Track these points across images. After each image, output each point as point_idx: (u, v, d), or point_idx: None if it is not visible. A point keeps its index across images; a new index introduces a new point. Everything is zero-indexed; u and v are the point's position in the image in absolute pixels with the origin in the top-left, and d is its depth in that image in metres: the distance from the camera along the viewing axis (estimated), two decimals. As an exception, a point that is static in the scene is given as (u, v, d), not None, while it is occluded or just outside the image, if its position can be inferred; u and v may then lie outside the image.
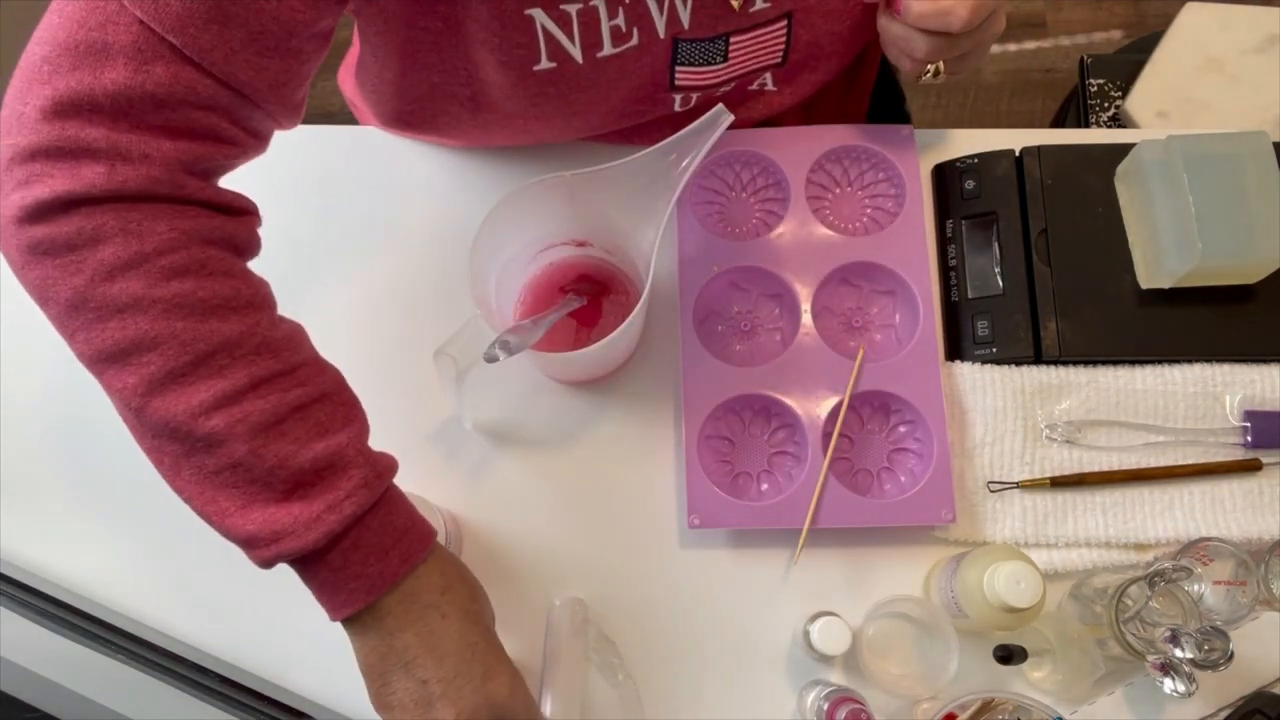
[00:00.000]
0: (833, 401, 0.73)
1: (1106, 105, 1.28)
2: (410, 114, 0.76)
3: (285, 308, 0.82)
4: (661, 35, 0.66)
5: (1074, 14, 1.88)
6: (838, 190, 0.82)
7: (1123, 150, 0.78)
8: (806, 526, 0.71)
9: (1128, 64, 1.28)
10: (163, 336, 0.50)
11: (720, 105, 0.65)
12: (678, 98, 0.74)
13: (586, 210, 0.70)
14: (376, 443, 0.77)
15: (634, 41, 0.65)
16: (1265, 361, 0.76)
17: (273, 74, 0.53)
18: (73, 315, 0.50)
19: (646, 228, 0.67)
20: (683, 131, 0.65)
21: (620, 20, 0.63)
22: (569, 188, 0.67)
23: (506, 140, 0.80)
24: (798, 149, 0.79)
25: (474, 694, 0.54)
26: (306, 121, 0.85)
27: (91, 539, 0.75)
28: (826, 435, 0.73)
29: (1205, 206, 0.71)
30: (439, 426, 0.77)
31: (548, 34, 0.63)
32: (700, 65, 0.70)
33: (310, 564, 0.53)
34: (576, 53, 0.64)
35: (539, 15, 0.61)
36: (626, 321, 0.64)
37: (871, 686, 0.69)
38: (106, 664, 0.68)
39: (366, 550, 0.53)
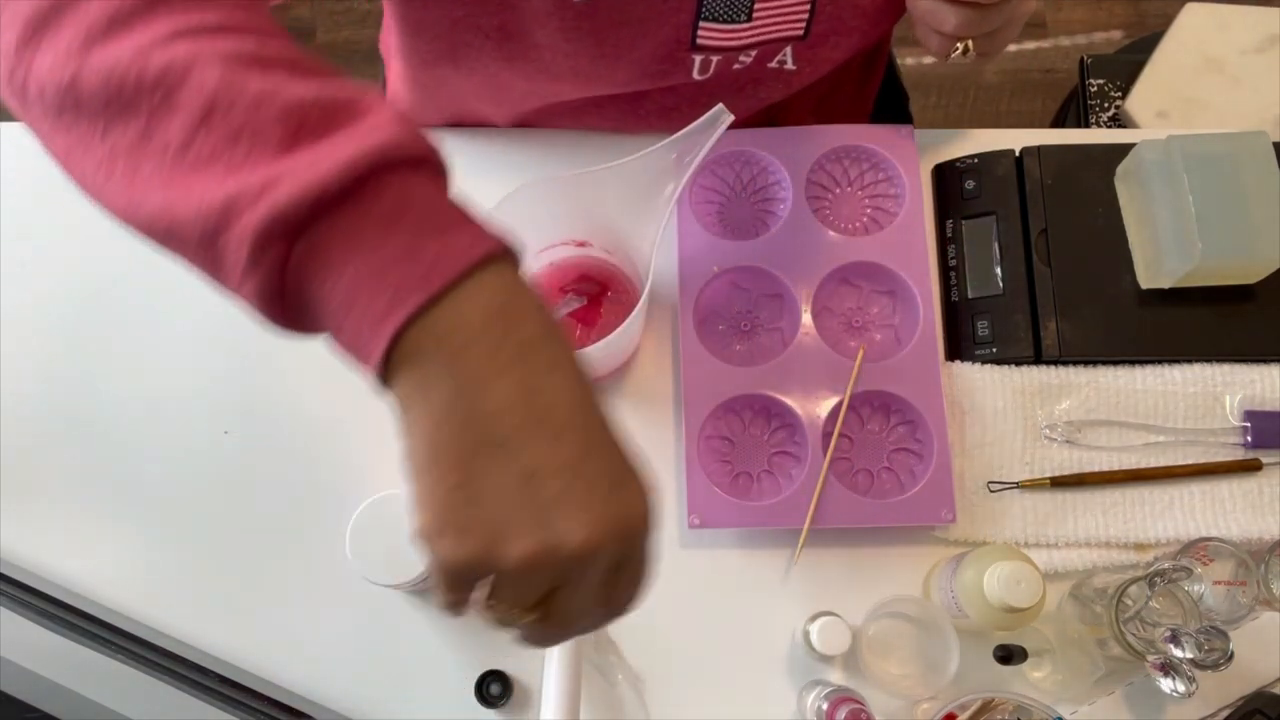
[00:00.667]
0: (833, 401, 0.73)
1: (1106, 105, 1.28)
2: (429, 51, 0.75)
3: (285, 308, 0.82)
4: None
5: (1074, 14, 1.88)
6: (838, 190, 0.82)
7: (1123, 150, 0.78)
8: (806, 526, 0.71)
9: (1128, 64, 1.28)
10: None
11: (720, 105, 0.65)
12: (697, 60, 0.73)
13: (586, 210, 0.70)
14: (377, 442, 0.77)
15: None
16: (1265, 361, 0.76)
17: None
18: None
19: (646, 228, 0.67)
20: (683, 131, 0.65)
21: None
22: (569, 187, 0.67)
23: (524, 84, 0.77)
24: (798, 149, 0.79)
25: (603, 508, 0.35)
26: (306, 121, 0.85)
27: (91, 539, 0.75)
28: (826, 435, 0.73)
29: (1205, 206, 0.71)
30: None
31: None
32: (724, 22, 0.69)
33: (329, 242, 0.34)
34: None
35: None
36: (626, 321, 0.64)
37: (871, 686, 0.69)
38: (106, 664, 0.68)
39: (416, 221, 0.34)
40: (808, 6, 0.70)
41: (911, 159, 0.79)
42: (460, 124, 0.86)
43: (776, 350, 0.77)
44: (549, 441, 0.35)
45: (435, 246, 0.34)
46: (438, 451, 0.35)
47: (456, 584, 0.35)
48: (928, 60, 1.86)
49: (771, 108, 0.83)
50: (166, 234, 0.36)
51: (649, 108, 0.79)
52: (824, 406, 0.73)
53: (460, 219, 0.36)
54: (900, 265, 0.77)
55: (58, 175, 0.90)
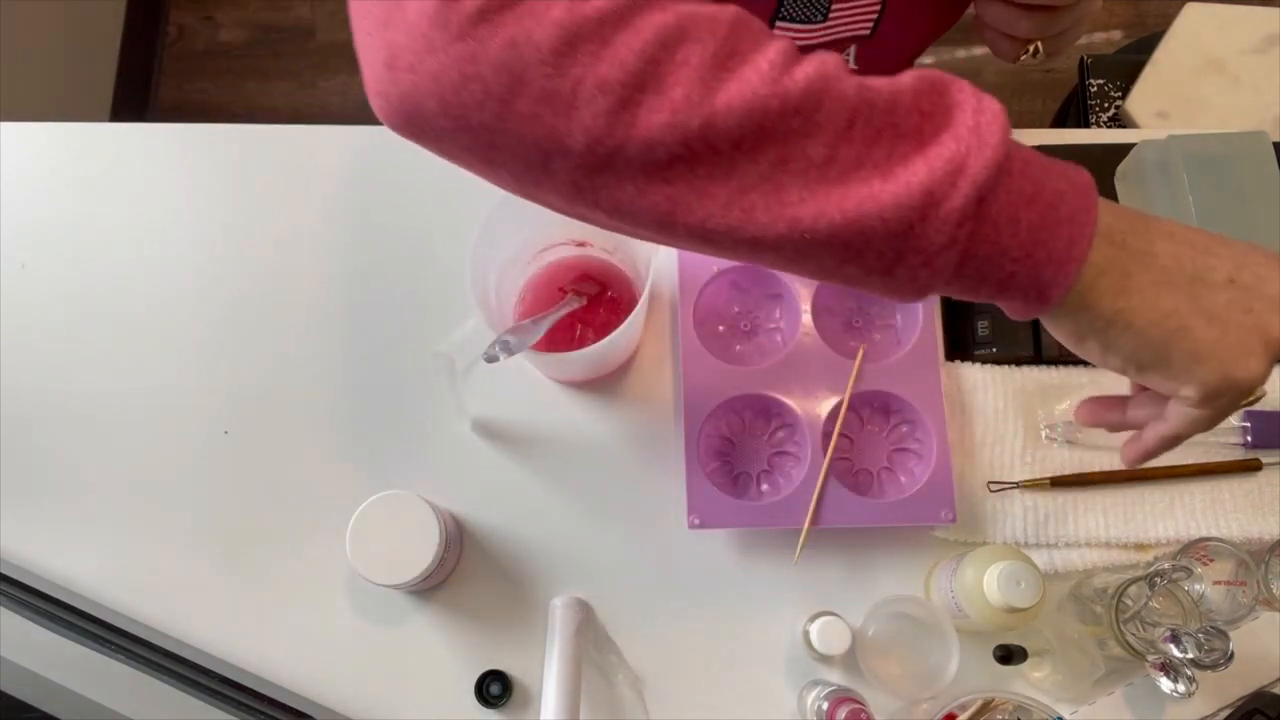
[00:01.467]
0: (833, 401, 0.73)
1: (1106, 105, 1.28)
2: None
3: (284, 306, 0.82)
4: None
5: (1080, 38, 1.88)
6: (838, 190, 0.82)
7: (1123, 150, 0.78)
8: (806, 526, 0.71)
9: (1128, 64, 1.28)
10: (685, 21, 0.38)
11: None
12: None
13: (586, 210, 0.70)
14: (377, 442, 0.77)
15: None
16: (1265, 361, 0.76)
17: None
18: (566, 66, 0.37)
19: (646, 228, 0.67)
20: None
21: None
22: (569, 188, 0.67)
23: None
24: (798, 149, 0.79)
25: (1270, 260, 0.43)
26: (306, 121, 0.85)
27: (91, 539, 0.75)
28: (826, 435, 0.73)
29: (1205, 206, 0.71)
30: (439, 426, 0.77)
31: None
32: (801, 22, 0.68)
33: (1006, 207, 0.39)
34: None
35: None
36: (626, 321, 0.64)
37: (871, 686, 0.69)
38: (106, 664, 0.68)
39: (1039, 163, 0.41)
40: (879, 5, 0.70)
41: (911, 159, 0.79)
42: None
43: (776, 350, 0.77)
44: (1214, 255, 0.42)
45: (1065, 184, 0.40)
46: (1175, 315, 0.41)
47: (1262, 383, 0.43)
48: (928, 60, 1.86)
49: None
50: (846, 244, 0.39)
51: None
52: (824, 406, 0.73)
53: (1049, 158, 0.42)
54: (900, 265, 0.77)
55: (57, 175, 0.90)
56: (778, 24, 0.69)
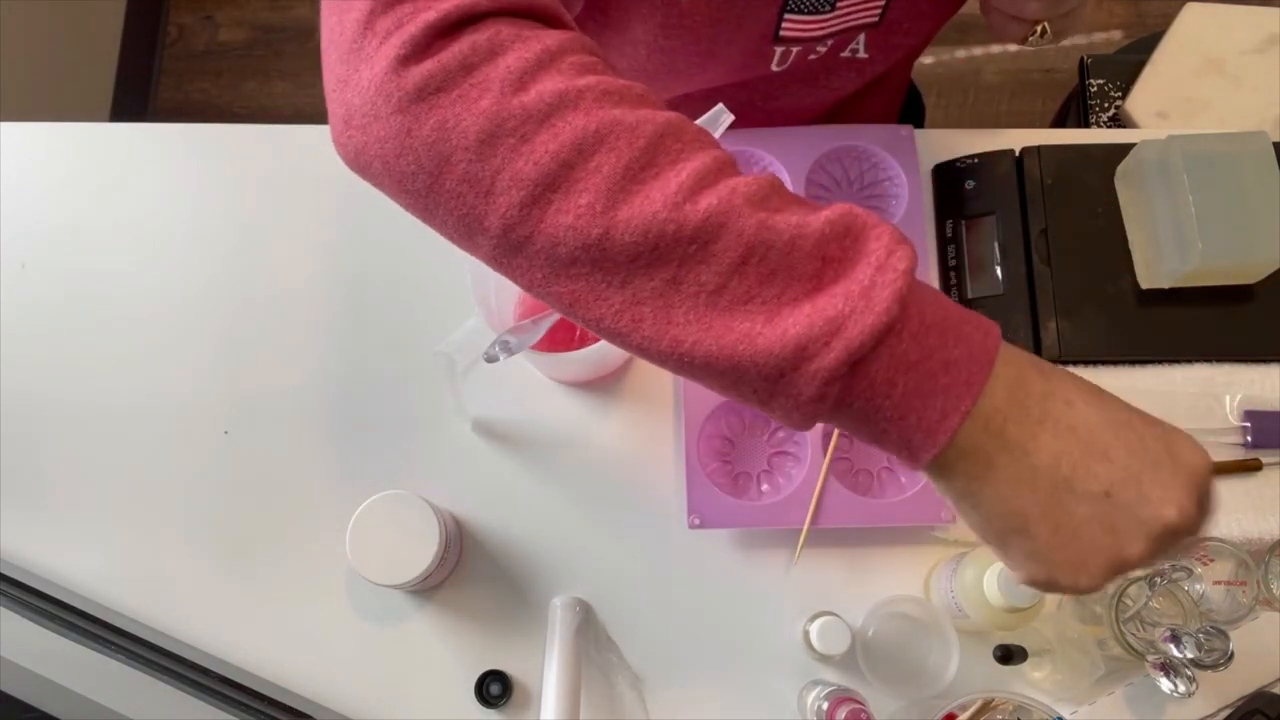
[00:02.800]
0: (833, 401, 0.73)
1: (1106, 105, 1.28)
2: None
3: (284, 306, 0.82)
4: None
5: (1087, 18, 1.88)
6: (838, 190, 0.82)
7: (1123, 150, 0.78)
8: (806, 526, 0.71)
9: (1128, 64, 1.28)
10: (605, 128, 0.39)
11: (720, 105, 0.65)
12: (778, 52, 0.72)
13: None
14: (377, 442, 0.77)
15: None
16: (1265, 361, 0.76)
17: None
18: (488, 155, 0.39)
19: (646, 228, 0.67)
20: (683, 132, 0.65)
21: None
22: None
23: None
24: (798, 149, 0.79)
25: (1176, 479, 0.40)
26: (306, 121, 0.85)
27: (91, 539, 0.75)
28: (826, 435, 0.73)
29: (1205, 206, 0.71)
30: (439, 426, 0.77)
31: None
32: (808, 13, 0.68)
33: (881, 371, 0.38)
34: None
35: None
36: (626, 321, 0.64)
37: (871, 686, 0.69)
38: (106, 664, 0.68)
39: (938, 330, 0.39)
40: None
41: (911, 159, 0.79)
42: None
43: (776, 350, 0.77)
44: (1103, 461, 0.39)
45: (963, 352, 0.39)
46: (1021, 514, 0.40)
47: (1090, 597, 0.42)
48: (928, 60, 1.86)
49: (838, 105, 0.82)
50: (720, 373, 0.39)
51: (726, 103, 0.79)
52: (824, 406, 0.73)
53: (959, 315, 0.40)
54: (900, 265, 0.76)
55: (57, 175, 0.90)
56: (785, 17, 0.68)
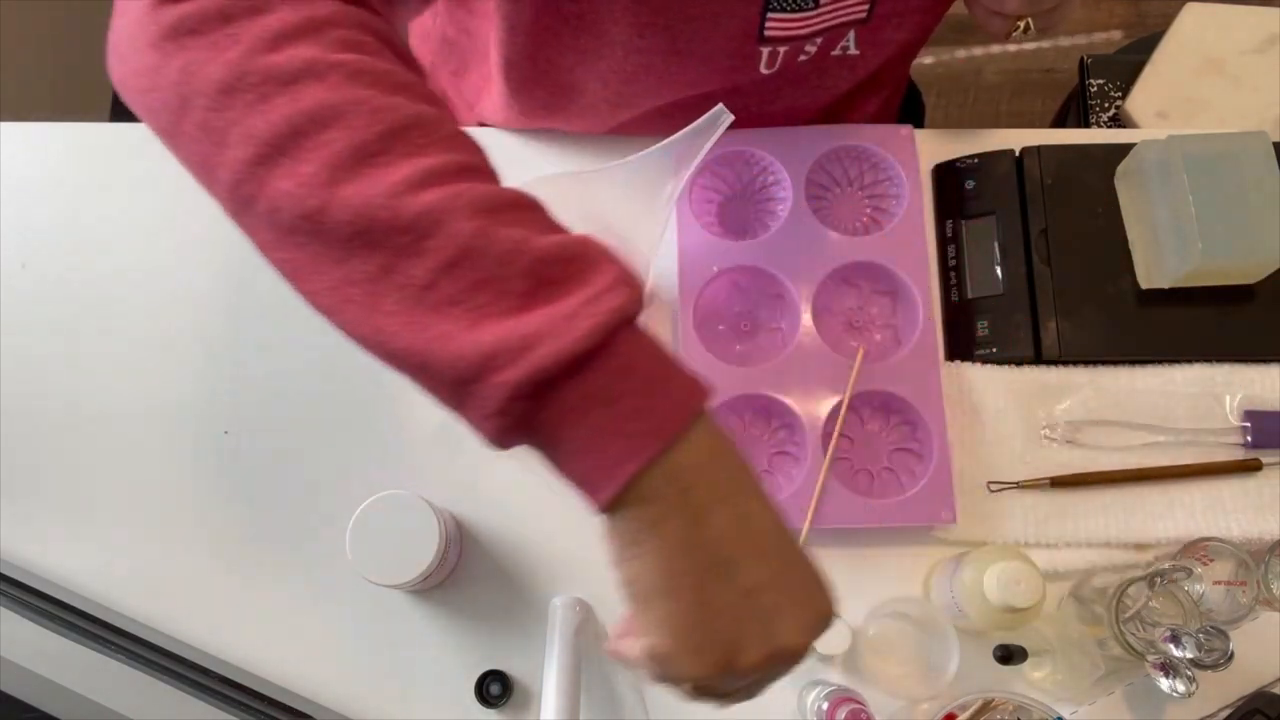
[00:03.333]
0: (833, 401, 0.73)
1: (1106, 105, 1.28)
2: (514, 49, 0.73)
3: (284, 306, 0.82)
4: None
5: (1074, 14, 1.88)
6: (838, 190, 0.82)
7: (1123, 150, 0.78)
8: (806, 526, 0.71)
9: (1128, 64, 1.28)
10: (345, 105, 0.38)
11: (720, 105, 0.65)
12: (765, 53, 0.72)
13: (586, 210, 0.70)
14: (377, 442, 0.77)
15: None
16: (1265, 361, 0.76)
17: None
18: (225, 103, 0.39)
19: (647, 228, 0.67)
20: (682, 131, 0.65)
21: None
22: (569, 187, 0.67)
23: (599, 88, 0.76)
24: (798, 149, 0.79)
25: (807, 614, 0.41)
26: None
27: (91, 539, 0.75)
28: (826, 435, 0.73)
29: (1205, 206, 0.71)
30: (439, 426, 0.77)
31: None
32: (792, 11, 0.69)
33: (572, 400, 0.38)
34: None
35: None
36: (626, 321, 0.64)
37: (871, 686, 0.69)
38: (106, 664, 0.68)
39: (644, 376, 0.38)
40: None
41: (911, 159, 0.79)
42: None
43: (776, 350, 0.77)
44: (760, 560, 0.40)
45: (663, 402, 0.38)
46: (673, 577, 0.39)
47: (700, 692, 0.41)
48: (927, 60, 1.86)
49: (833, 107, 0.82)
50: (415, 368, 0.39)
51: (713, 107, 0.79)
52: (824, 406, 0.73)
53: (673, 370, 0.40)
54: (900, 265, 0.77)
55: (57, 175, 0.90)
56: (769, 15, 0.68)
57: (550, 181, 0.66)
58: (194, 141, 0.40)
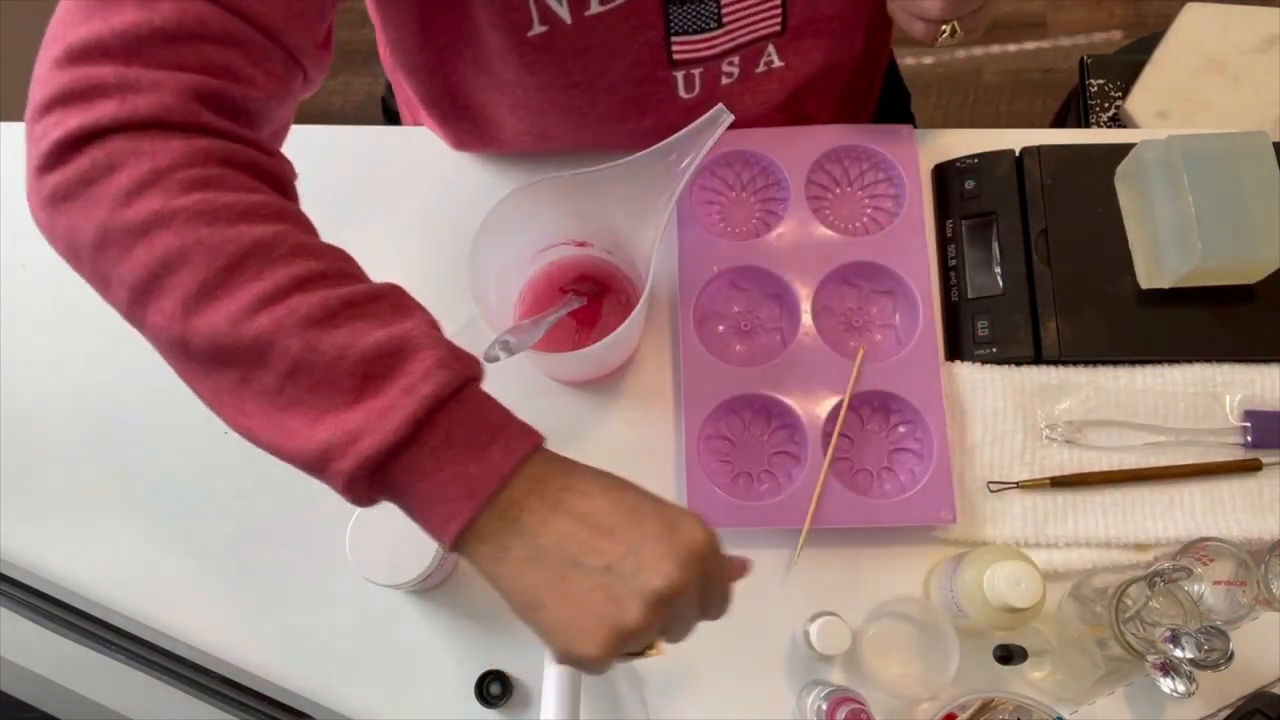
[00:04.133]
0: (833, 401, 0.73)
1: (1106, 105, 1.28)
2: (426, 92, 0.76)
3: (285, 308, 0.82)
4: None
5: (1074, 14, 1.88)
6: (838, 190, 0.82)
7: (1123, 150, 0.78)
8: (806, 526, 0.71)
9: (1128, 64, 1.28)
10: (189, 248, 0.46)
11: (720, 105, 0.65)
12: (680, 78, 0.73)
13: (586, 210, 0.70)
14: (376, 443, 0.77)
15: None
16: (1265, 361, 0.76)
17: (294, 5, 0.52)
18: (100, 257, 0.47)
19: (646, 228, 0.67)
20: (683, 131, 0.65)
21: None
22: (569, 188, 0.67)
23: (515, 123, 0.78)
24: (798, 149, 0.79)
25: (671, 550, 0.45)
26: (305, 121, 0.85)
27: (92, 539, 0.75)
28: (826, 435, 0.73)
29: (1205, 206, 0.71)
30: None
31: None
32: (695, 33, 0.69)
33: (401, 475, 0.45)
34: (564, 12, 0.64)
35: None
36: (626, 321, 0.64)
37: (871, 686, 0.69)
38: (106, 664, 0.68)
39: (462, 446, 0.45)
40: (779, 2, 0.69)
41: (911, 159, 0.79)
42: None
43: (776, 350, 0.77)
44: (606, 539, 0.45)
45: (476, 468, 0.45)
46: (533, 591, 0.46)
47: (605, 667, 0.46)
48: (927, 60, 1.86)
49: (780, 117, 0.82)
50: (280, 457, 0.47)
51: (647, 143, 0.79)
52: (824, 406, 0.73)
53: (493, 430, 0.47)
54: (900, 265, 0.77)
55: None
56: (673, 40, 0.69)
57: (551, 182, 0.66)
58: (91, 281, 0.49)
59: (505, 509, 0.46)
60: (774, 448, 0.76)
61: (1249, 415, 0.75)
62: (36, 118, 0.48)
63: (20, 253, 0.82)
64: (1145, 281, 0.76)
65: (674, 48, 0.70)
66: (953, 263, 0.79)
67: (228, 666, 0.72)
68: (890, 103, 0.97)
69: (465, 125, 0.80)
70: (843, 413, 0.73)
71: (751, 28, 0.71)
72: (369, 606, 0.73)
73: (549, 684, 0.65)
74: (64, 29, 0.49)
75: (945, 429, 0.73)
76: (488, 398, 0.48)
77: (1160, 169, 0.74)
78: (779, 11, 0.70)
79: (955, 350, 0.78)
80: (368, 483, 0.45)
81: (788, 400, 0.74)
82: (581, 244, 0.76)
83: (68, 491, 0.77)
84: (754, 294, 0.79)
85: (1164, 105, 1.23)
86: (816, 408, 0.73)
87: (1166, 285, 0.74)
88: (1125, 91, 1.26)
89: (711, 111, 0.64)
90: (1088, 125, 1.29)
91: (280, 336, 0.45)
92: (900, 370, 0.74)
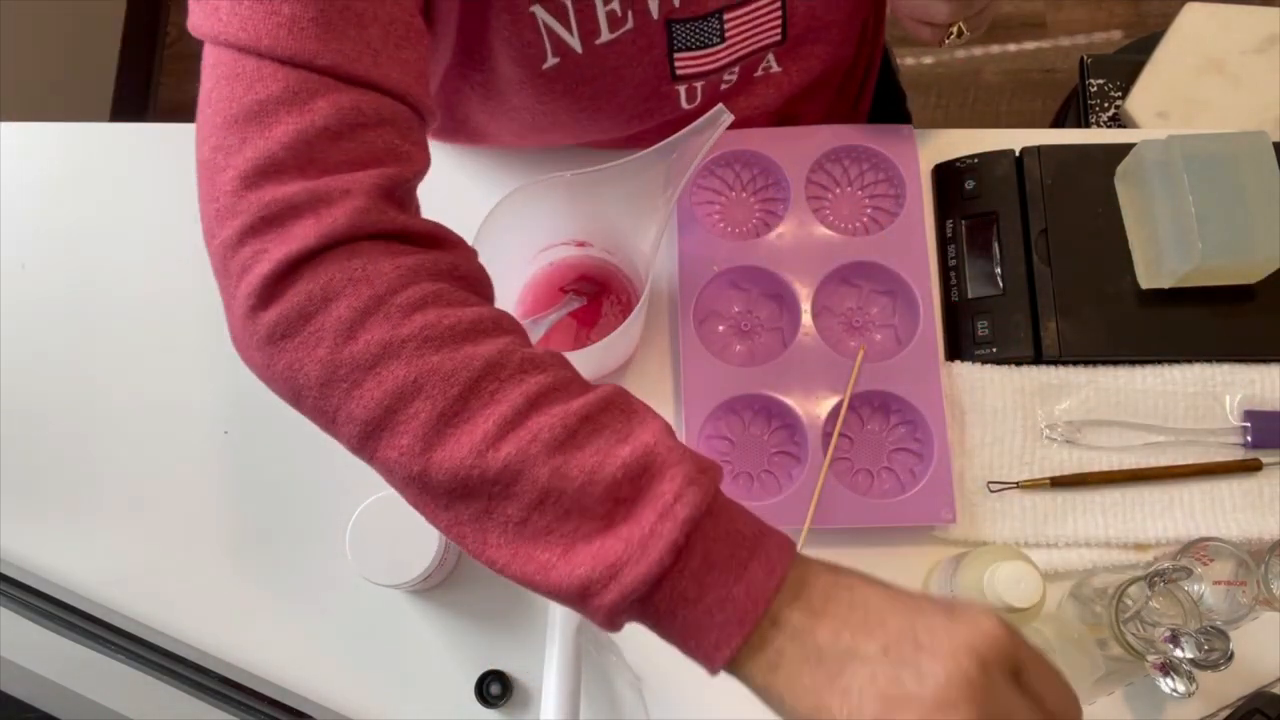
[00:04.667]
0: (833, 401, 0.73)
1: (1106, 105, 1.28)
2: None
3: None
4: (655, 16, 0.65)
5: (1074, 14, 1.88)
6: (838, 190, 0.82)
7: (1123, 150, 0.78)
8: (806, 526, 0.71)
9: (1128, 64, 1.28)
10: (423, 376, 0.44)
11: (720, 105, 0.65)
12: (682, 90, 0.74)
13: (586, 210, 0.70)
14: (376, 443, 0.77)
15: (629, 25, 0.65)
16: (1265, 361, 0.76)
17: (413, 65, 0.51)
18: (328, 395, 0.46)
19: (646, 228, 0.67)
20: (683, 131, 0.65)
21: (615, 4, 0.63)
22: (569, 188, 0.67)
23: (513, 139, 0.80)
24: (798, 149, 0.79)
25: (951, 635, 0.40)
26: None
27: (92, 539, 0.75)
28: (826, 435, 0.73)
29: (1205, 206, 0.71)
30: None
31: (549, 29, 0.63)
32: (698, 49, 0.69)
33: (664, 603, 0.43)
34: (575, 42, 0.64)
35: (539, 12, 0.62)
36: (626, 321, 0.64)
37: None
38: (106, 664, 0.68)
39: (722, 568, 0.43)
40: (779, 15, 0.70)
41: (911, 159, 0.79)
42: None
43: (776, 350, 0.77)
44: (879, 627, 0.42)
45: (740, 589, 0.43)
46: (814, 691, 0.42)
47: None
48: (927, 60, 1.86)
49: (775, 118, 0.82)
50: (529, 588, 0.45)
51: (645, 144, 0.79)
52: (824, 406, 0.73)
53: (748, 547, 0.44)
54: (900, 265, 0.77)
55: (57, 175, 0.90)
56: (676, 56, 0.69)
57: (551, 182, 0.66)
58: (312, 417, 0.48)
59: (775, 617, 0.43)
60: (774, 448, 0.76)
61: (1249, 415, 0.75)
62: (230, 252, 0.47)
63: (20, 253, 0.82)
64: (1145, 281, 0.76)
65: (677, 63, 0.70)
66: (953, 263, 0.79)
67: (228, 666, 0.72)
68: (885, 103, 0.98)
69: (460, 139, 0.81)
70: (843, 413, 0.73)
71: (754, 40, 0.71)
72: (369, 606, 0.73)
73: (549, 684, 0.65)
74: (223, 156, 0.47)
75: (945, 429, 0.73)
76: (735, 506, 0.46)
77: (1160, 169, 0.74)
78: (779, 21, 0.70)
79: (955, 350, 0.78)
80: (627, 615, 0.44)
81: (788, 400, 0.74)
82: (581, 244, 0.76)
83: (68, 491, 0.77)
84: (754, 294, 0.79)
85: (1164, 105, 1.23)
86: (816, 408, 0.73)
87: (1166, 285, 0.74)
88: (1125, 91, 1.26)
89: (711, 112, 0.64)
90: (1088, 125, 1.29)
91: (527, 465, 0.43)
92: (900, 370, 0.74)
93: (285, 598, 0.74)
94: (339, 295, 0.45)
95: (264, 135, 0.46)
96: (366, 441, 0.46)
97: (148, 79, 1.90)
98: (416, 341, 0.45)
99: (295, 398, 0.47)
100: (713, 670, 0.43)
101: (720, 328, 0.79)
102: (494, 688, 0.70)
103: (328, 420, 0.47)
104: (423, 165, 0.52)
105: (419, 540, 0.67)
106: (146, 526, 0.76)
